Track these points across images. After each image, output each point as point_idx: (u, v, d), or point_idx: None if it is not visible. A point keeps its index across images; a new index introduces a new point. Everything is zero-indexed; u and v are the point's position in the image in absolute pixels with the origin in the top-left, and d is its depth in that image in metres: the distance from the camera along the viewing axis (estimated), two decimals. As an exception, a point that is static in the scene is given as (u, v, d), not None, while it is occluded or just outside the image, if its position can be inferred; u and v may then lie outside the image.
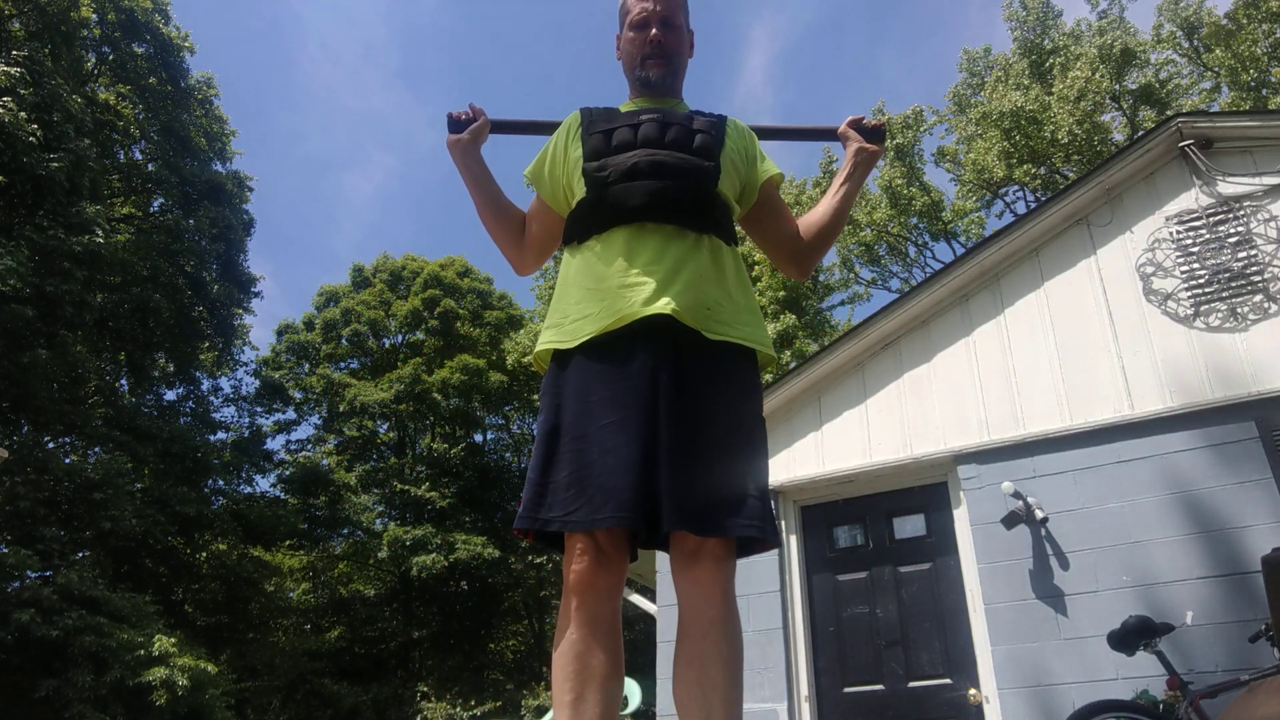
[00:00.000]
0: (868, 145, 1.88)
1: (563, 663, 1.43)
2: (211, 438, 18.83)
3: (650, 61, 1.78)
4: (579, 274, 1.62)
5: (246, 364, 20.92)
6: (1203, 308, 4.77)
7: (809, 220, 1.84)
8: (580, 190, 1.68)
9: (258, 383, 21.23)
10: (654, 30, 1.76)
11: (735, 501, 1.44)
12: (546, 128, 1.94)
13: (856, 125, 1.91)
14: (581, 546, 1.43)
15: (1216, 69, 16.03)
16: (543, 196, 1.82)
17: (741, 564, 1.50)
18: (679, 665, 1.46)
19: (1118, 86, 16.17)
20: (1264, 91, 15.46)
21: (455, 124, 1.91)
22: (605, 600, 1.45)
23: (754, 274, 17.58)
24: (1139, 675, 4.02)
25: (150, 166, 17.58)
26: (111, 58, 16.36)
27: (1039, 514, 4.67)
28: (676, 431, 1.44)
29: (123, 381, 17.28)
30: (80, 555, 12.57)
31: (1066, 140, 15.14)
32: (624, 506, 1.37)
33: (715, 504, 1.43)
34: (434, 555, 17.78)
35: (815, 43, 39.46)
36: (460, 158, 1.89)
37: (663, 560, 5.73)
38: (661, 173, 1.60)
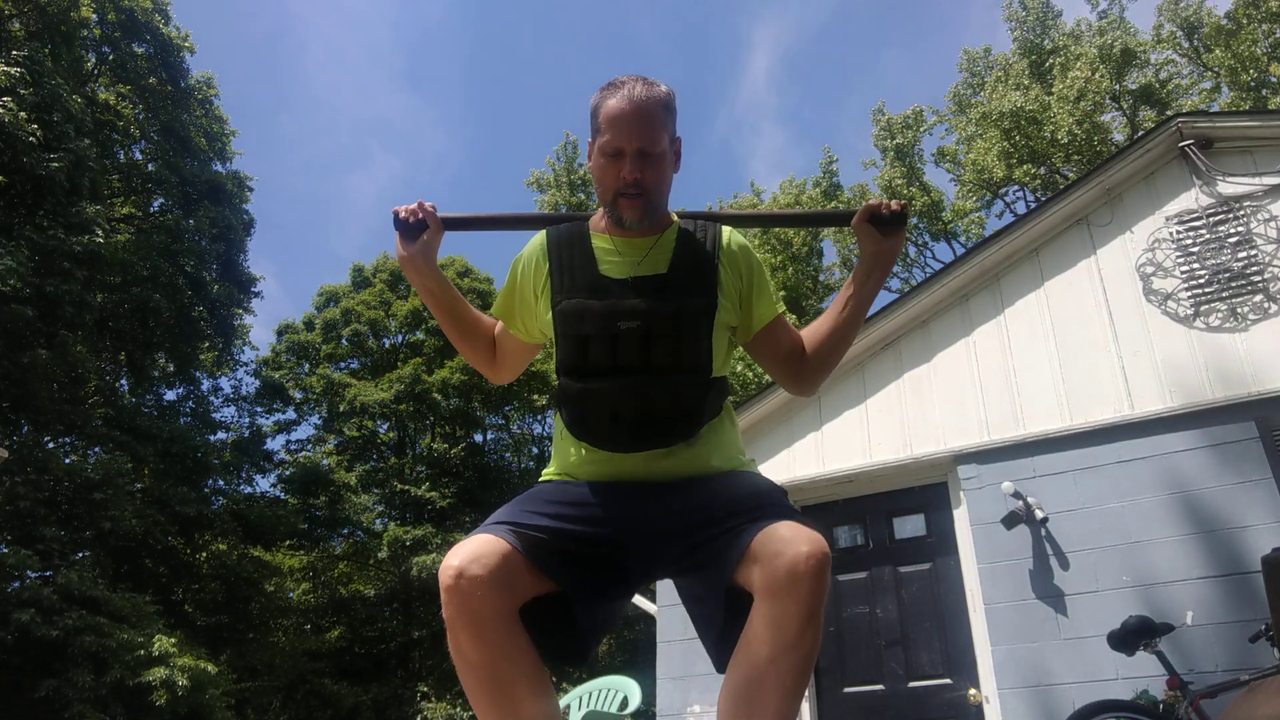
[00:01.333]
0: (883, 241, 1.60)
1: (474, 693, 1.35)
2: (211, 438, 18.82)
3: (624, 201, 1.52)
4: (565, 456, 1.59)
5: (246, 364, 20.94)
6: (1203, 308, 4.77)
7: (814, 335, 1.66)
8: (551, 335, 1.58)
9: (258, 383, 21.23)
10: (627, 170, 1.50)
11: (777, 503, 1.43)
12: (506, 222, 1.75)
13: (874, 214, 1.61)
14: (466, 550, 1.34)
15: (1216, 69, 16.03)
16: (515, 334, 1.69)
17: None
18: (733, 679, 1.33)
19: (1118, 86, 16.18)
20: (1264, 91, 15.46)
21: (404, 226, 1.62)
22: (495, 615, 1.33)
23: (754, 274, 17.58)
24: (1139, 675, 4.02)
25: (150, 166, 17.58)
26: (111, 58, 16.36)
27: (1039, 514, 4.67)
28: (685, 517, 1.45)
29: (123, 381, 17.28)
30: (80, 555, 12.57)
31: (1066, 140, 15.14)
32: (512, 530, 1.39)
33: (760, 504, 1.41)
34: (434, 555, 17.76)
35: (818, 45, 39.48)
36: (415, 277, 1.65)
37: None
38: (649, 416, 1.47)
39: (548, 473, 1.62)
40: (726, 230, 1.64)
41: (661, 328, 1.47)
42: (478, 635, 1.31)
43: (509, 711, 1.33)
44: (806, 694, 5.08)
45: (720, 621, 1.42)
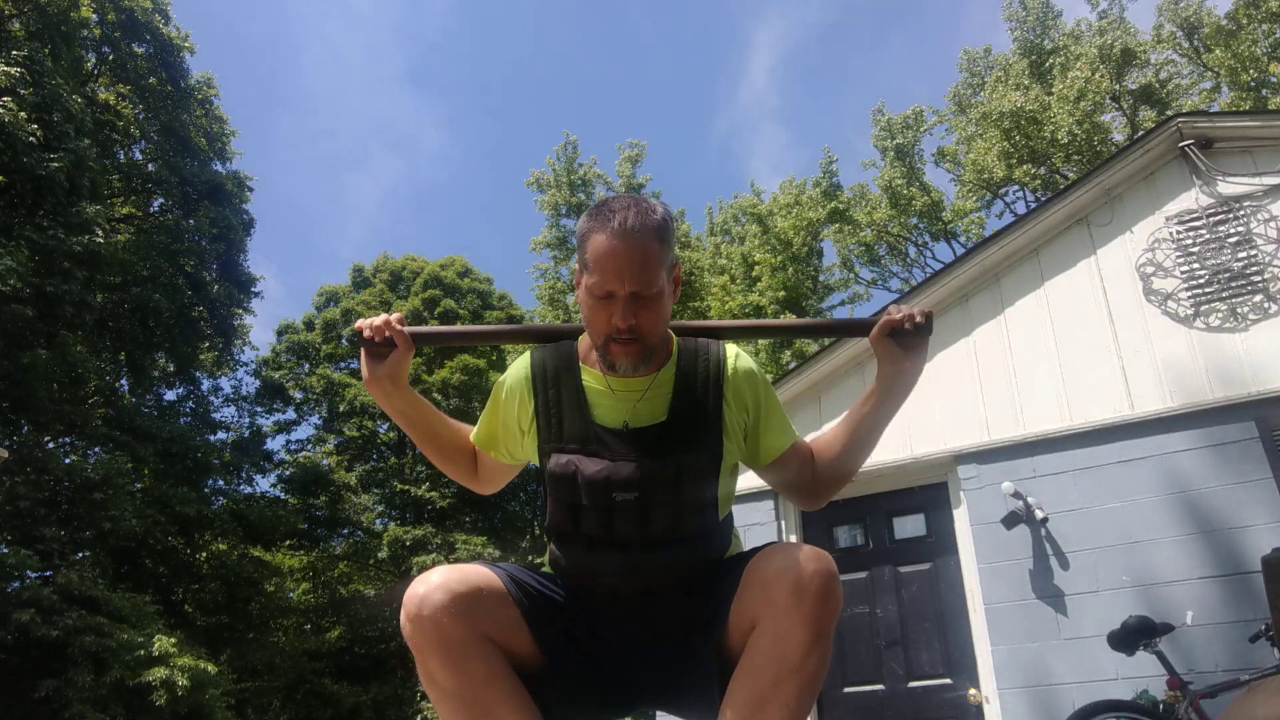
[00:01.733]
0: (904, 360, 1.45)
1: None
2: (211, 438, 18.82)
3: (617, 347, 1.35)
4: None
5: (246, 364, 20.95)
6: (1203, 308, 4.77)
7: (826, 452, 1.53)
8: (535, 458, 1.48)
9: (258, 383, 21.25)
10: (619, 316, 1.32)
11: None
12: (484, 337, 1.62)
13: (894, 328, 1.44)
14: (432, 576, 1.29)
15: (1216, 69, 16.03)
16: (498, 460, 1.58)
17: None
18: (732, 702, 1.25)
19: (1118, 86, 16.17)
20: (1264, 91, 15.45)
21: (370, 346, 1.47)
22: (465, 640, 1.26)
23: (754, 274, 17.57)
24: (1139, 675, 4.02)
25: (150, 166, 17.58)
26: (111, 58, 16.35)
27: (1039, 514, 4.67)
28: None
29: (123, 381, 17.28)
30: (80, 555, 12.57)
31: (1066, 140, 15.13)
32: (506, 571, 1.37)
33: (751, 550, 1.37)
34: (434, 555, 17.80)
35: (819, 46, 39.48)
36: (384, 401, 1.51)
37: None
38: (651, 590, 1.39)
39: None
40: (731, 356, 1.47)
41: (661, 497, 1.34)
42: (448, 663, 1.24)
43: None
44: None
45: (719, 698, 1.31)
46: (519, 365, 1.50)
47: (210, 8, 32.03)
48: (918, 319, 1.44)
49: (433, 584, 1.27)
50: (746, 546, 1.48)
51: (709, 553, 1.43)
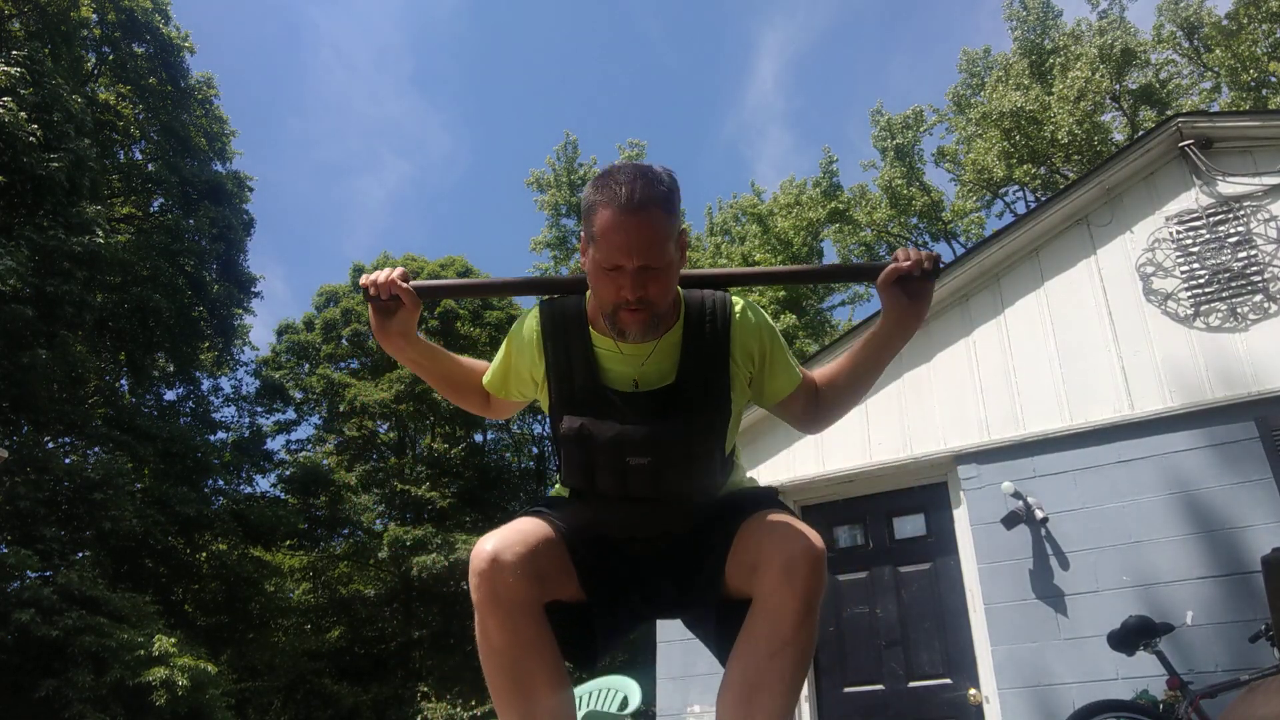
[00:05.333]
0: (909, 306, 1.45)
1: (494, 679, 1.36)
2: (211, 438, 18.82)
3: (626, 315, 1.37)
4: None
5: (246, 364, 20.94)
6: (1203, 308, 4.77)
7: (828, 384, 1.59)
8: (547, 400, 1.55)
9: (258, 383, 21.24)
10: (628, 289, 1.34)
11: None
12: (489, 289, 1.67)
13: (900, 276, 1.44)
14: (500, 536, 1.37)
15: (1216, 69, 16.03)
16: (509, 399, 1.67)
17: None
18: (731, 677, 1.34)
19: (1118, 86, 16.17)
20: (1264, 91, 15.45)
21: (377, 302, 1.51)
22: (524, 604, 1.33)
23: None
24: (1139, 675, 4.02)
25: (150, 166, 17.58)
26: (111, 58, 16.36)
27: (1039, 514, 4.67)
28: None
29: (123, 381, 17.28)
30: (80, 555, 12.56)
31: (1066, 140, 15.14)
32: (556, 514, 1.48)
33: (749, 498, 1.49)
34: (434, 555, 17.76)
35: (825, 50, 39.39)
36: (397, 354, 1.60)
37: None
38: (668, 533, 1.48)
39: (558, 491, 1.62)
40: (738, 307, 1.50)
41: (673, 459, 1.40)
42: (505, 623, 1.31)
43: (526, 700, 1.34)
44: (806, 693, 5.08)
45: (715, 636, 1.46)
46: (529, 323, 1.54)
47: (218, 9, 32.05)
48: (925, 265, 1.43)
49: (500, 542, 1.34)
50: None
51: (718, 493, 1.51)
